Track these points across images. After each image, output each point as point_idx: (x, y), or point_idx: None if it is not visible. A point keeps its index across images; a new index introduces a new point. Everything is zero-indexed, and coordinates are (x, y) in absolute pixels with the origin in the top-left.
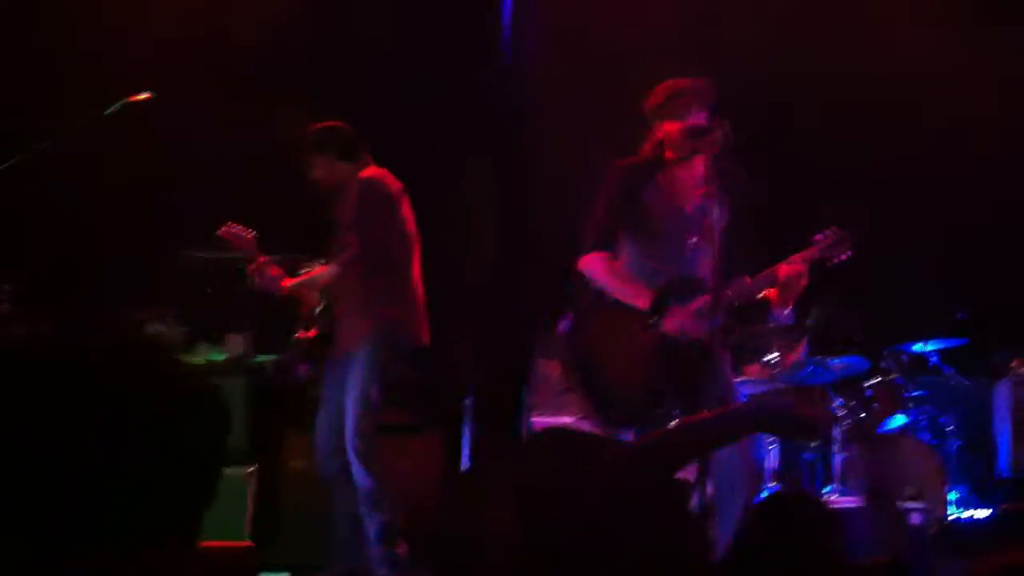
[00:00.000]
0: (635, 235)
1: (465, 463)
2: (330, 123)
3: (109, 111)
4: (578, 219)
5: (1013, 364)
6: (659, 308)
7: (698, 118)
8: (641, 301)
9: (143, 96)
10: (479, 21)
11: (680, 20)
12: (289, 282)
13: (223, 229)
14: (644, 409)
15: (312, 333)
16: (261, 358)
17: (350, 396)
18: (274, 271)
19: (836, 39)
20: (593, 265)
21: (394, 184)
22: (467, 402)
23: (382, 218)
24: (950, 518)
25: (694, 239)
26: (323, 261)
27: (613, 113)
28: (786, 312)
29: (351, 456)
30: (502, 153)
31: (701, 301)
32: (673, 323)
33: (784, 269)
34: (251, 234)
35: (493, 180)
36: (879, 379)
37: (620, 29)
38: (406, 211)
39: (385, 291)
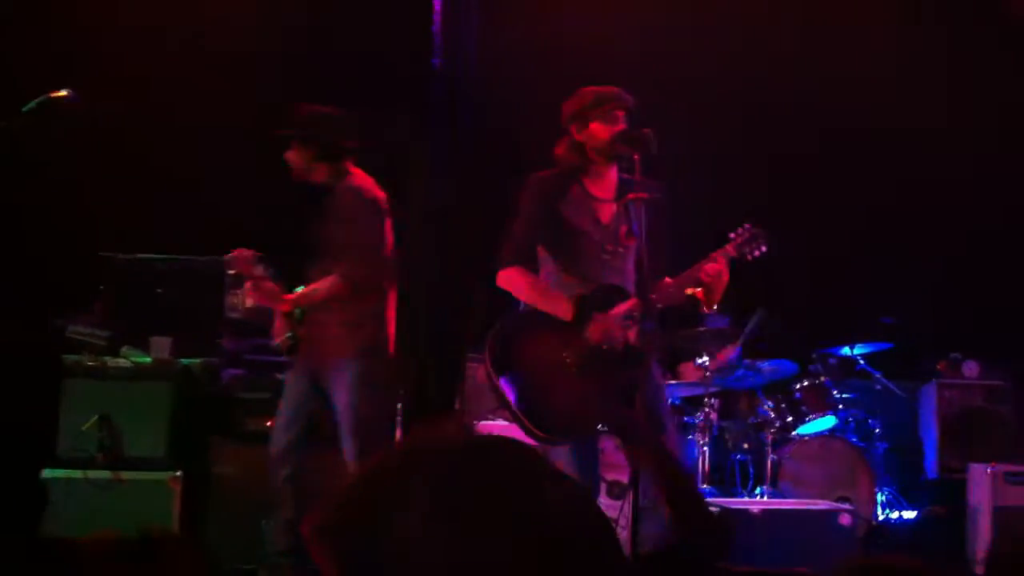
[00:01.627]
0: (553, 247)
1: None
2: (323, 109)
3: (27, 107)
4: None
5: (939, 367)
6: (581, 317)
7: (623, 123)
8: (562, 311)
9: (63, 93)
10: (410, 27)
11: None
12: (290, 298)
13: (235, 254)
14: (572, 420)
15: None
16: (186, 361)
17: (343, 413)
18: (271, 286)
19: (755, 41)
20: (512, 279)
21: (382, 194)
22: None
23: (381, 233)
24: (878, 519)
25: (611, 247)
26: (315, 273)
27: (550, 123)
28: (714, 309)
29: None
30: (436, 162)
31: (623, 307)
32: (596, 331)
33: (706, 267)
34: (252, 253)
35: (427, 186)
36: (807, 382)
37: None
38: (391, 223)
39: (378, 307)
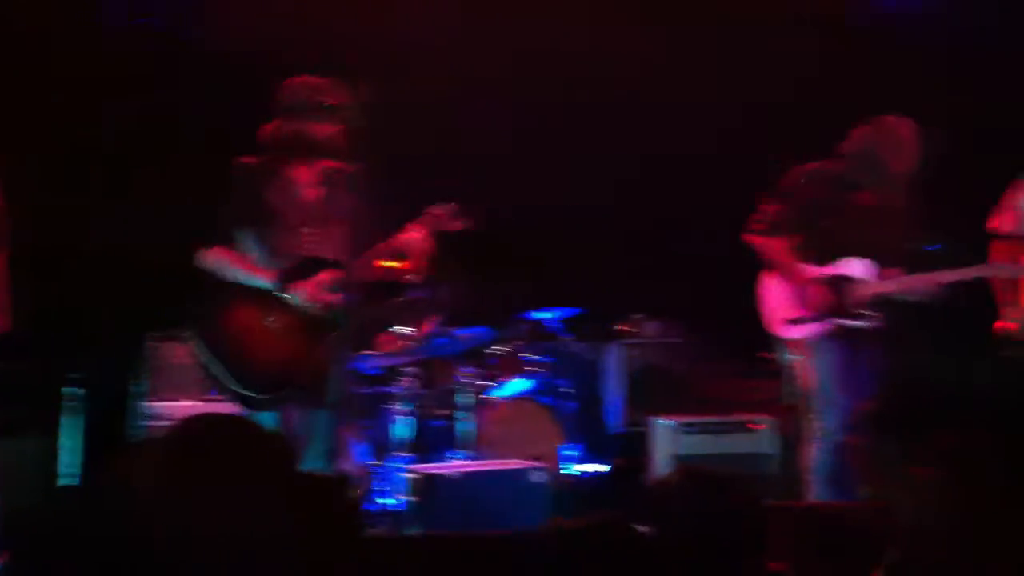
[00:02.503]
0: (257, 230)
1: (83, 455)
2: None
3: None
4: (197, 213)
5: (623, 327)
6: (285, 281)
7: (333, 120)
8: (267, 278)
9: None
10: None
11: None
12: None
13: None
14: (283, 385)
15: None
16: None
17: None
18: None
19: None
20: (216, 257)
21: None
22: (77, 393)
23: None
24: (569, 474)
25: (316, 227)
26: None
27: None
28: (418, 280)
29: None
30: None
31: (327, 275)
32: (300, 288)
33: (401, 237)
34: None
35: (103, 166)
36: (502, 347)
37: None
38: None
39: None
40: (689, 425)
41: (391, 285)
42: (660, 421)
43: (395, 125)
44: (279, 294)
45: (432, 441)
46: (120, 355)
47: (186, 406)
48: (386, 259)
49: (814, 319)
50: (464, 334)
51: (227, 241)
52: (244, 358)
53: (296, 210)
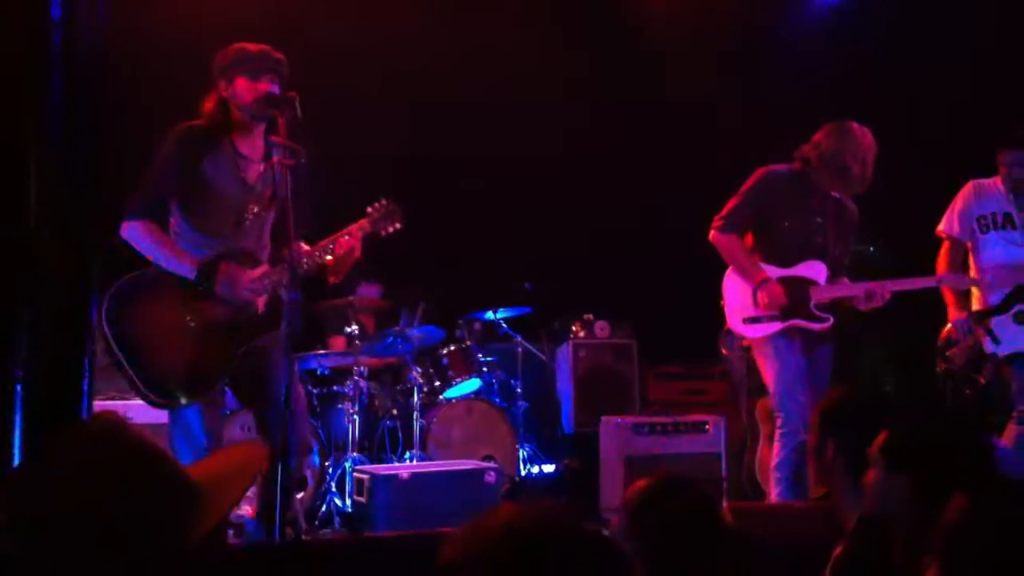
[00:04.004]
0: (188, 202)
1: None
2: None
3: None
4: (126, 184)
5: (574, 328)
6: (207, 275)
7: (271, 86)
8: (187, 269)
9: None
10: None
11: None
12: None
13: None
14: (195, 386)
15: None
16: None
17: None
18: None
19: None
20: (137, 233)
21: None
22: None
23: None
24: (520, 474)
25: (254, 209)
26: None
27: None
28: (336, 282)
29: None
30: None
31: (255, 273)
32: (225, 284)
33: (340, 241)
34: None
35: (40, 152)
36: (454, 347)
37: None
38: None
39: None
40: (640, 425)
41: (338, 284)
42: (611, 421)
43: (330, 121)
44: (199, 286)
45: (383, 441)
46: (67, 351)
47: (133, 405)
48: (325, 257)
49: (772, 318)
50: (416, 333)
51: (150, 214)
52: (152, 355)
53: (234, 187)
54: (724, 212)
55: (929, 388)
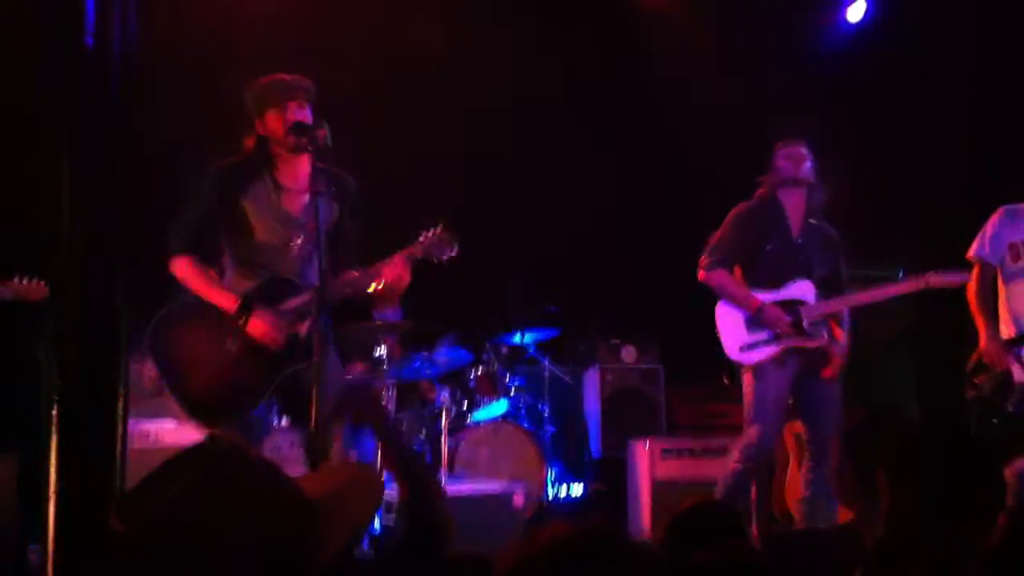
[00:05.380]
0: (231, 237)
1: (53, 477)
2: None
3: None
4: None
5: (600, 352)
6: (244, 310)
7: (301, 115)
8: (227, 303)
9: None
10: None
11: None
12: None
13: None
14: (233, 408)
15: None
16: None
17: None
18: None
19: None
20: (181, 268)
21: None
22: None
23: None
24: (548, 498)
25: (299, 240)
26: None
27: (217, 109)
28: (391, 309)
29: None
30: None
31: (295, 302)
32: (256, 326)
33: (385, 270)
34: None
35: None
36: (481, 369)
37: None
38: None
39: None
40: (668, 450)
41: (362, 306)
42: (638, 445)
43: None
44: (238, 319)
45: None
46: (103, 375)
47: (165, 427)
48: (366, 283)
49: (769, 342)
50: (442, 356)
51: (194, 248)
52: (197, 383)
53: (274, 218)
54: (708, 251)
55: (956, 415)
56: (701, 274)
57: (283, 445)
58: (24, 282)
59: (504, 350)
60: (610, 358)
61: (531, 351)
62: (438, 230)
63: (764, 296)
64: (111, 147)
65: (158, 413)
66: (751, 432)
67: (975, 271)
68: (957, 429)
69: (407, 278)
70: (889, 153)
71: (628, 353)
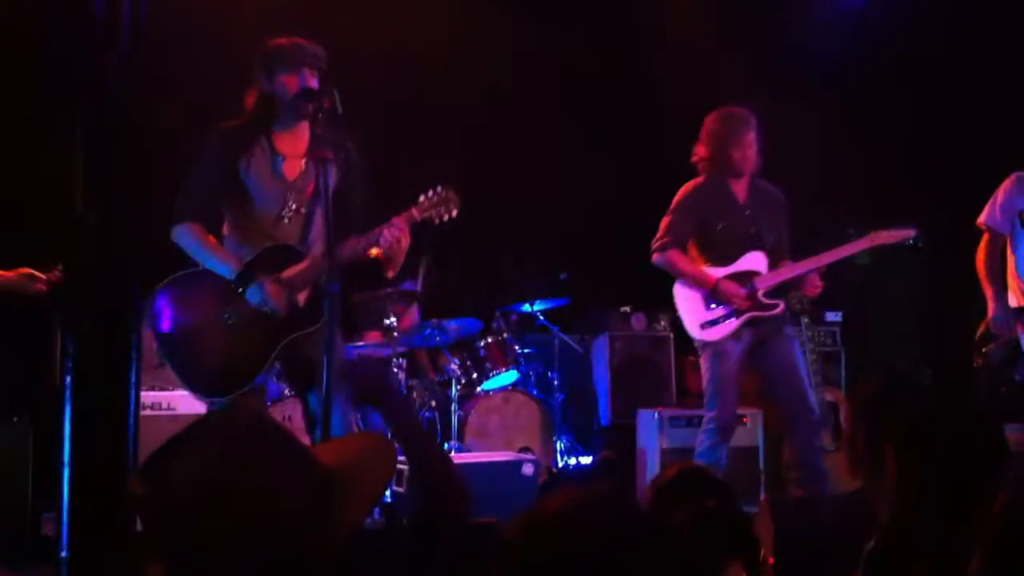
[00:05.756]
0: (230, 203)
1: (66, 447)
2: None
3: None
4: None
5: (610, 320)
6: (246, 278)
7: (312, 81)
8: (227, 270)
9: None
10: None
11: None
12: None
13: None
14: (233, 378)
15: None
16: None
17: None
18: None
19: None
20: (183, 235)
21: None
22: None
23: None
24: (557, 466)
25: (296, 205)
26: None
27: (227, 101)
28: (392, 274)
29: None
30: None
31: (295, 270)
32: (255, 295)
33: (384, 232)
34: None
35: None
36: (491, 338)
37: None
38: None
39: None
40: (676, 418)
41: (372, 275)
42: (648, 414)
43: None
44: (238, 287)
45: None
46: (115, 345)
47: (175, 395)
48: (373, 249)
49: (728, 317)
50: (453, 325)
51: (197, 215)
52: (195, 356)
53: (271, 184)
54: (660, 233)
55: (964, 383)
56: (654, 256)
57: (294, 415)
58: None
59: (514, 318)
60: (620, 326)
61: (541, 320)
62: (438, 190)
63: (718, 272)
64: (122, 123)
65: (170, 382)
66: (711, 413)
67: (984, 238)
68: (964, 418)
69: (407, 241)
70: (889, 138)
71: (638, 321)
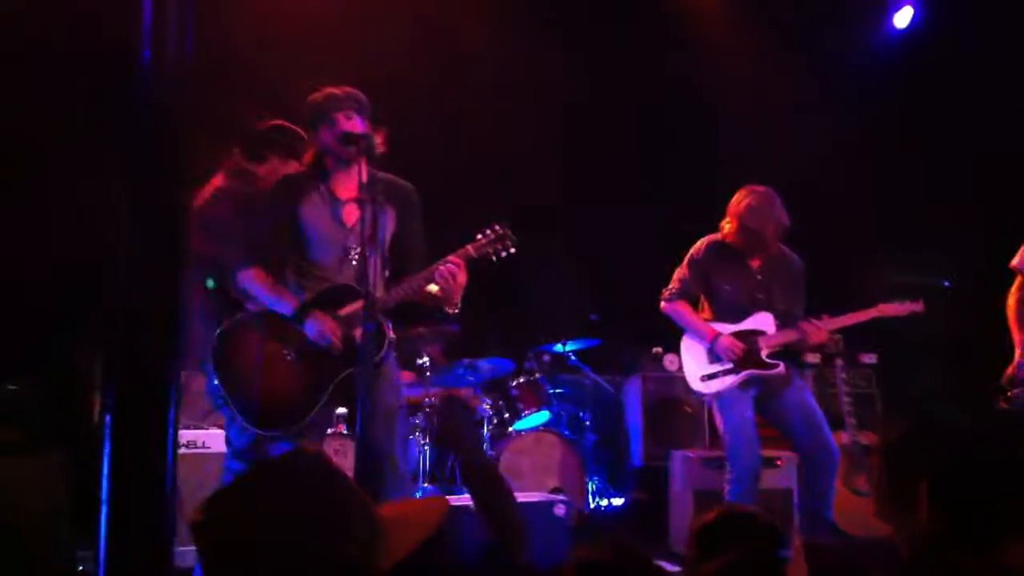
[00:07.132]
0: (294, 248)
1: (105, 484)
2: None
3: None
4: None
5: (642, 361)
6: (302, 314)
7: (349, 125)
8: (286, 308)
9: None
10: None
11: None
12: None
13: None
14: (291, 414)
15: None
16: None
17: None
18: None
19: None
20: (246, 280)
21: None
22: (105, 419)
23: None
24: (589, 507)
25: (354, 248)
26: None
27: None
28: (453, 311)
29: None
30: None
31: (352, 307)
32: (313, 328)
33: (440, 269)
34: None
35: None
36: (523, 379)
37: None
38: None
39: None
40: (710, 459)
41: (420, 312)
42: (680, 455)
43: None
44: (297, 320)
45: (453, 472)
46: (155, 382)
47: (209, 433)
48: (429, 287)
49: (728, 372)
50: (485, 365)
51: (262, 260)
52: (254, 392)
53: (330, 229)
54: (670, 284)
55: (988, 428)
56: (662, 304)
57: (348, 451)
58: None
59: (546, 359)
60: (652, 367)
61: (573, 360)
62: (495, 227)
63: (724, 327)
64: (168, 154)
65: (204, 419)
66: (734, 464)
67: (1017, 281)
68: (998, 467)
69: (463, 278)
70: (930, 159)
71: (671, 362)
